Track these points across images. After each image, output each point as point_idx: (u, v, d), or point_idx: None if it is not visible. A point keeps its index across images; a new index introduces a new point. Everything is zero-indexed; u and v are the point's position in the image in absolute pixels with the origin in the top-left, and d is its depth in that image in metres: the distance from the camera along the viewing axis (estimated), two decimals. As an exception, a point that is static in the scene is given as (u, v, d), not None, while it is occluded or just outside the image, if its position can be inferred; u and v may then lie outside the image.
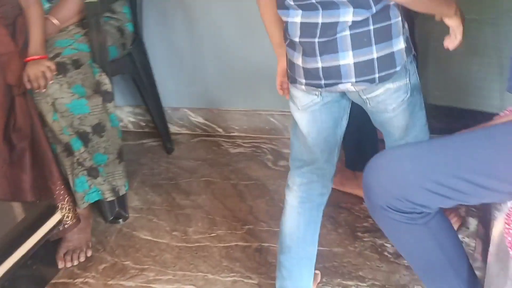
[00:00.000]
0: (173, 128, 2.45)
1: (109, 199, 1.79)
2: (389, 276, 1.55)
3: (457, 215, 1.67)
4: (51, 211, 0.88)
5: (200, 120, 2.41)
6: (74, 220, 1.66)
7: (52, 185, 1.63)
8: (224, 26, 2.17)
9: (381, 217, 1.04)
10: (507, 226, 0.90)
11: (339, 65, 1.10)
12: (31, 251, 0.83)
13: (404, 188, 0.97)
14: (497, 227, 0.99)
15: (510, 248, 0.90)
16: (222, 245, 1.76)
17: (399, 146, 1.02)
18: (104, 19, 1.82)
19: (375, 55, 1.08)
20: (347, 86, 1.13)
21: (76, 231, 1.72)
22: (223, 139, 2.37)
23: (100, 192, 1.77)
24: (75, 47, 1.69)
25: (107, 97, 1.71)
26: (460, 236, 1.65)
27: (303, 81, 1.17)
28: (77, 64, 1.66)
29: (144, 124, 2.52)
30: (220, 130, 2.40)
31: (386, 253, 1.63)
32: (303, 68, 1.15)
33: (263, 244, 1.75)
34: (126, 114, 2.51)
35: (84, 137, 1.68)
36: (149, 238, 1.82)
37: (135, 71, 2.07)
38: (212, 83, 2.32)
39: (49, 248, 0.89)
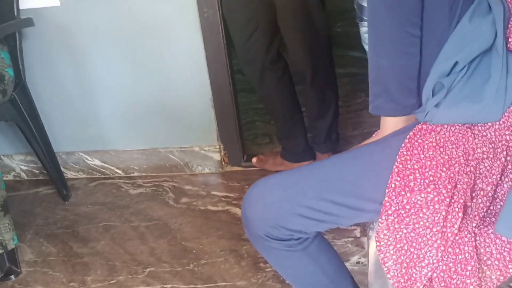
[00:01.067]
0: (69, 173, 2.35)
1: None
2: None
3: None
4: None
5: (97, 162, 2.33)
6: None
7: None
8: (112, 65, 2.13)
9: (262, 246, 1.04)
10: (377, 243, 0.92)
11: None
12: None
13: (278, 216, 0.98)
14: (372, 245, 1.02)
15: (383, 265, 0.92)
16: (123, 291, 1.69)
17: (272, 175, 1.03)
18: (-20, 65, 1.73)
19: None
20: None
21: None
22: (123, 181, 2.30)
23: None
24: None
25: (-15, 147, 1.61)
26: (357, 257, 1.69)
27: None
28: None
29: (38, 171, 2.40)
30: (119, 171, 2.34)
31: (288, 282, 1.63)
32: None
33: (165, 285, 1.69)
34: (17, 163, 2.38)
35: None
36: (44, 293, 1.72)
37: (20, 118, 1.97)
38: (106, 124, 2.26)
39: None
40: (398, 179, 0.91)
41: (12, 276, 1.78)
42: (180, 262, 1.78)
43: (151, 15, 2.02)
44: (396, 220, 0.91)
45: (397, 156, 0.93)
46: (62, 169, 2.26)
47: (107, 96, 2.19)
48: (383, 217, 0.91)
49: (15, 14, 1.92)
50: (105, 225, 2.02)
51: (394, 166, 0.92)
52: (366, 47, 1.21)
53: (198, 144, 2.24)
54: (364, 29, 1.45)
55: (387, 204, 0.91)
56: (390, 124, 1.03)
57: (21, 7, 1.94)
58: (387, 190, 0.91)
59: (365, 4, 1.39)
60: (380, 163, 0.95)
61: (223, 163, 2.27)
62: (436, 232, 0.89)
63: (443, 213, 0.88)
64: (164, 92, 2.16)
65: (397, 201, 0.91)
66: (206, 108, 2.16)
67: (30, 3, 2.02)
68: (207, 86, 2.11)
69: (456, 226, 0.88)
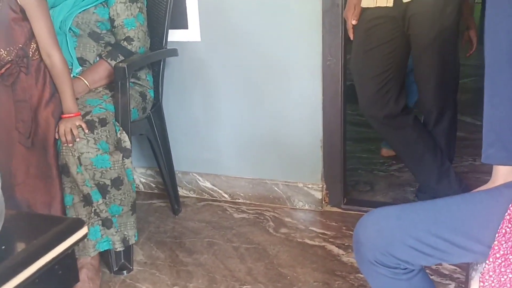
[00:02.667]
0: (181, 191, 2.58)
1: (118, 249, 1.89)
2: None
3: None
4: (79, 225, 1.01)
5: (208, 185, 2.54)
6: None
7: None
8: (236, 98, 2.36)
9: (368, 271, 1.12)
10: (481, 284, 0.98)
11: None
12: (59, 257, 0.95)
13: (389, 243, 1.05)
14: (473, 287, 1.08)
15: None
16: (220, 302, 1.83)
17: (389, 206, 1.12)
18: (130, 84, 2.00)
19: None
20: None
21: (86, 280, 1.81)
22: (228, 205, 2.49)
23: (110, 242, 1.87)
24: (103, 107, 1.86)
25: (126, 153, 1.85)
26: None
27: None
28: (103, 122, 1.82)
29: (154, 185, 2.66)
30: (226, 196, 2.53)
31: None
32: None
33: (259, 303, 1.82)
34: (138, 175, 2.65)
35: (103, 189, 1.81)
36: (151, 290, 1.91)
37: (152, 134, 2.23)
38: (221, 150, 2.47)
39: (74, 259, 1.02)
40: (510, 225, 0.97)
41: (125, 272, 1.99)
42: (275, 285, 1.90)
43: (278, 56, 2.23)
44: (503, 263, 0.96)
45: (510, 205, 0.98)
46: (177, 186, 2.49)
47: (227, 126, 2.42)
48: (491, 259, 0.96)
49: (163, 44, 2.21)
50: (209, 241, 2.19)
51: (506, 214, 0.98)
52: None
53: (302, 180, 2.38)
54: None
55: (496, 247, 0.96)
56: (502, 173, 1.09)
57: (168, 39, 2.23)
58: (497, 235, 0.97)
59: None
60: (492, 209, 1.01)
61: (324, 202, 2.39)
62: None
63: None
64: (278, 128, 2.35)
65: (506, 246, 0.96)
66: (315, 148, 2.31)
67: (177, 36, 2.32)
68: (319, 128, 2.27)
69: None
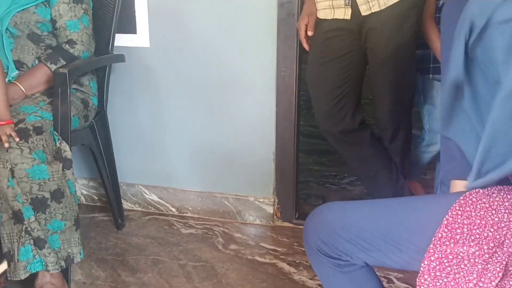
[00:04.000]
0: (125, 204, 2.44)
1: (51, 271, 1.74)
2: None
3: None
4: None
5: (154, 198, 2.42)
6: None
7: None
8: (187, 108, 2.25)
9: (313, 259, 1.17)
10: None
11: None
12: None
13: (330, 233, 1.11)
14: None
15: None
16: (165, 325, 1.71)
17: (342, 201, 1.18)
18: (71, 90, 1.86)
19: None
20: None
21: None
22: (175, 219, 2.37)
23: (43, 263, 1.72)
24: (39, 114, 1.72)
25: (67, 164, 1.71)
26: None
27: None
28: (39, 130, 1.68)
29: (96, 198, 2.51)
30: (173, 209, 2.41)
31: None
32: None
33: (206, 327, 1.72)
34: (79, 187, 2.50)
35: (42, 204, 1.66)
36: (89, 314, 1.77)
37: (95, 143, 2.09)
38: (170, 162, 2.36)
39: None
40: (446, 230, 0.98)
41: (61, 293, 1.84)
42: (223, 307, 1.81)
43: (231, 67, 2.15)
44: (438, 267, 0.96)
45: (449, 210, 1.01)
46: (121, 198, 2.36)
47: (175, 136, 2.31)
48: (426, 262, 0.97)
49: (109, 49, 2.08)
50: (154, 259, 2.07)
51: (444, 218, 1.00)
52: None
53: (253, 194, 2.30)
54: None
55: (431, 250, 0.97)
56: (459, 188, 1.13)
57: (115, 44, 2.10)
58: (433, 239, 0.98)
59: None
60: (434, 214, 1.03)
61: (275, 217, 2.31)
62: (472, 286, 0.92)
63: (479, 267, 0.92)
64: (230, 140, 2.26)
65: (441, 249, 0.97)
66: (267, 161, 2.24)
67: (124, 41, 2.19)
68: (272, 140, 2.20)
69: (493, 284, 0.91)
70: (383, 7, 1.83)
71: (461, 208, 1.01)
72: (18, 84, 1.79)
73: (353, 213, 1.12)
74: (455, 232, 0.97)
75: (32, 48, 1.89)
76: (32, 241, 1.67)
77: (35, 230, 1.66)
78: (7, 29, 1.86)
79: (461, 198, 1.03)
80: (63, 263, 1.74)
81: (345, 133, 2.04)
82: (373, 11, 1.84)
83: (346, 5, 1.86)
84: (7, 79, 1.80)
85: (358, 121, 2.04)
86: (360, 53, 1.96)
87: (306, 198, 2.55)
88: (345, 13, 1.87)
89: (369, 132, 2.08)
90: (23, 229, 1.65)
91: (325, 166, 2.94)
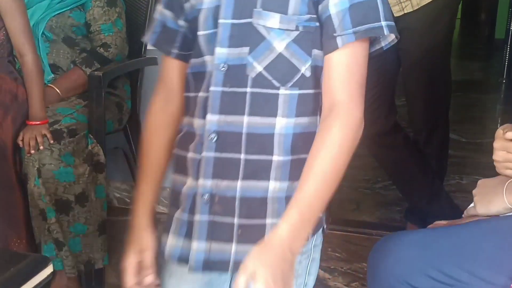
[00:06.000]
0: (157, 207, 2.44)
1: (67, 275, 1.73)
2: None
3: None
4: (43, 263, 0.88)
5: (186, 201, 2.41)
6: None
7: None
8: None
9: None
10: None
11: None
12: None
13: (408, 273, 1.01)
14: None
15: None
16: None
17: (407, 232, 1.07)
18: (105, 94, 1.88)
19: None
20: None
21: None
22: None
23: (62, 264, 1.72)
24: (74, 117, 1.75)
25: (99, 167, 1.72)
26: None
27: None
28: (72, 133, 1.70)
29: (129, 200, 2.51)
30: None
31: None
32: None
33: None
34: (112, 189, 2.51)
35: (66, 206, 1.67)
36: (123, 316, 1.76)
37: (128, 147, 2.10)
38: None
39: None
40: None
41: (95, 295, 1.85)
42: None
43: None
44: None
45: None
46: (153, 202, 2.35)
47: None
48: None
49: (142, 52, 2.09)
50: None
51: None
52: None
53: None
54: None
55: None
56: None
57: (148, 47, 2.11)
58: None
59: None
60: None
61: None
62: None
63: None
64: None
65: None
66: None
67: (157, 44, 2.19)
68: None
69: None
70: (416, 7, 1.80)
71: None
72: (54, 87, 1.82)
73: (435, 249, 1.02)
74: None
75: (67, 52, 1.92)
76: (53, 240, 1.68)
77: (55, 232, 1.67)
78: (43, 33, 1.89)
79: None
80: (82, 267, 1.75)
81: (379, 136, 2.00)
82: (406, 11, 1.81)
83: None
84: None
85: (392, 123, 2.00)
86: (392, 54, 1.92)
87: (339, 203, 2.51)
88: None
89: (402, 134, 2.03)
90: (47, 227, 1.67)
91: (358, 170, 2.89)
